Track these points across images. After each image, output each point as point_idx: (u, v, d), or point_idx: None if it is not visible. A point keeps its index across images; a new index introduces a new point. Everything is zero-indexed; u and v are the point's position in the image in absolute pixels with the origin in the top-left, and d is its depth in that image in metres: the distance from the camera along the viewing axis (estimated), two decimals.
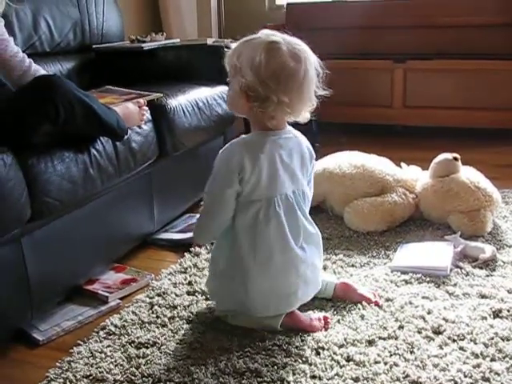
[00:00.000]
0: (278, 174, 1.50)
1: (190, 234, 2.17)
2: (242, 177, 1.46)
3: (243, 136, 1.53)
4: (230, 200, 1.48)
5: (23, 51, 1.91)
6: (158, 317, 1.63)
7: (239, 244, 1.50)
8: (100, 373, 1.40)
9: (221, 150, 1.51)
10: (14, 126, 1.48)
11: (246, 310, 1.54)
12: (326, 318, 1.55)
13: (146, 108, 2.00)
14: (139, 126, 1.95)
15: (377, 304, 1.62)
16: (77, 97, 1.58)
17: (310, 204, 1.64)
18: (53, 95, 1.52)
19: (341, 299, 1.65)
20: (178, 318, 1.62)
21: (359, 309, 1.60)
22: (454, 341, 1.45)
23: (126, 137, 1.82)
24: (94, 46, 2.72)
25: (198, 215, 1.59)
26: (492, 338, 1.44)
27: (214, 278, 1.61)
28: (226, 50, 1.67)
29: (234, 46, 1.49)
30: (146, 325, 1.59)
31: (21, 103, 1.53)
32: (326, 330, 1.52)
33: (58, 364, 1.45)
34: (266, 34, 1.45)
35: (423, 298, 1.65)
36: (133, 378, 1.38)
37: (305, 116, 1.51)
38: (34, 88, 1.56)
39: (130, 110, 1.90)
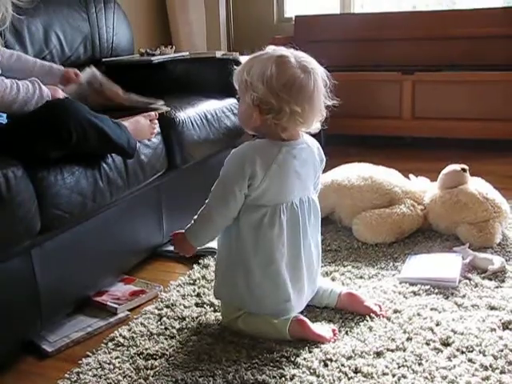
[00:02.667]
0: (289, 184, 1.52)
1: None
2: (251, 183, 1.49)
3: (258, 140, 1.53)
4: (238, 200, 1.51)
5: None
6: (166, 328, 1.64)
7: (243, 242, 1.54)
8: None
9: (233, 151, 1.53)
10: (26, 148, 1.50)
11: (243, 306, 1.58)
12: (333, 331, 1.55)
13: (156, 121, 2.01)
14: (149, 139, 1.96)
15: (384, 316, 1.62)
16: (89, 120, 1.59)
17: (319, 207, 1.65)
18: (66, 119, 1.53)
19: (347, 310, 1.65)
20: (186, 330, 1.63)
21: (367, 320, 1.60)
22: (462, 353, 1.44)
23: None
24: (103, 60, 2.74)
25: (195, 216, 1.58)
26: (501, 350, 1.43)
27: (218, 274, 1.64)
28: (234, 64, 1.68)
29: (242, 63, 1.52)
30: (155, 336, 1.60)
31: (33, 127, 1.53)
32: (334, 341, 1.52)
33: (66, 375, 1.45)
34: (273, 49, 1.49)
35: (432, 309, 1.65)
36: None
37: (315, 126, 1.54)
38: (46, 112, 1.56)
39: (141, 124, 1.92)
